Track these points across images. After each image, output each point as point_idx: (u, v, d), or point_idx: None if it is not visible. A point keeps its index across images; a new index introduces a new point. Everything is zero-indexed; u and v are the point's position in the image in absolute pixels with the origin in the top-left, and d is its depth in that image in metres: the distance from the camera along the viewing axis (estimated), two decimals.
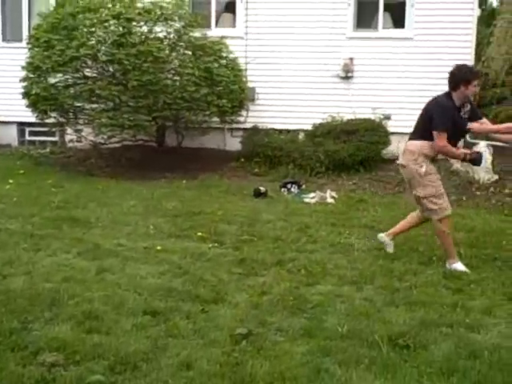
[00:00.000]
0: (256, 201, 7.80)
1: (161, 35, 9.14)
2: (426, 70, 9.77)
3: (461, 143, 5.63)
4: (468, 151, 5.26)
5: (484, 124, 5.22)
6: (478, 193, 8.30)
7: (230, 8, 10.71)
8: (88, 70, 9.17)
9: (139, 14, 8.88)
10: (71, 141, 10.06)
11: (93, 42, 8.76)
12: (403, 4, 10.14)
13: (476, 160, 5.22)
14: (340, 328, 3.67)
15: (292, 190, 8.43)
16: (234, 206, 7.30)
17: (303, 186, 8.63)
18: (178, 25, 9.22)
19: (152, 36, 9.03)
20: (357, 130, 9.49)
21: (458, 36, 9.80)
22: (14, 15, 11.20)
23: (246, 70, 10.12)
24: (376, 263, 5.07)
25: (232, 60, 9.63)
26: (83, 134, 9.74)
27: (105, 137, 9.26)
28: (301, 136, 10.09)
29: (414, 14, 9.99)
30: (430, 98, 5.19)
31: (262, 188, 8.13)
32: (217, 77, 9.12)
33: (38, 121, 9.78)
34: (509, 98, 13.10)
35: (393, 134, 9.60)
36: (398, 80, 10.01)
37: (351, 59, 10.18)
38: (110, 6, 9.00)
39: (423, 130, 5.08)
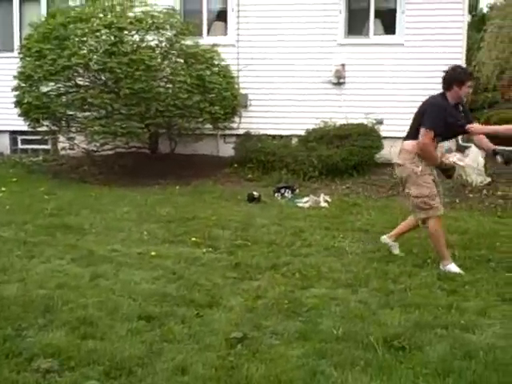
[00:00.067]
0: (250, 206, 7.81)
1: (152, 44, 9.19)
2: (417, 76, 9.84)
3: (453, 146, 5.62)
4: (446, 161, 5.26)
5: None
6: (471, 195, 8.35)
7: (222, 16, 10.79)
8: (80, 78, 9.20)
9: (131, 23, 8.90)
10: (64, 148, 10.08)
11: (84, 51, 8.80)
12: (394, 11, 10.23)
13: (450, 170, 5.19)
14: (335, 330, 3.67)
15: (286, 194, 8.45)
16: (228, 211, 7.30)
17: (297, 191, 8.65)
18: (169, 33, 9.27)
19: (144, 45, 9.08)
20: (349, 135, 9.53)
21: (449, 41, 9.89)
22: (6, 25, 11.25)
23: (238, 77, 10.16)
24: (370, 266, 5.07)
25: (224, 67, 9.67)
26: (76, 141, 9.75)
27: (97, 144, 9.27)
28: (294, 141, 10.13)
29: (405, 21, 10.07)
30: (426, 98, 5.21)
31: (255, 193, 8.14)
32: (209, 84, 9.15)
33: (30, 129, 9.78)
34: (500, 102, 13.22)
35: (385, 138, 9.65)
36: (390, 85, 10.07)
37: (343, 65, 10.25)
38: (101, 15, 9.04)
39: (418, 130, 5.10)
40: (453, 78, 5.03)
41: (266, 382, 3.04)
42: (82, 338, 3.47)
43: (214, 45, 9.74)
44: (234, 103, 9.71)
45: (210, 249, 5.54)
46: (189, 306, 4.04)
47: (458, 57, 9.74)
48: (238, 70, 10.23)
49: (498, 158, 5.05)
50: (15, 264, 4.87)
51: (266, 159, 9.61)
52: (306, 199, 8.12)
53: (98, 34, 8.82)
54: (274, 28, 10.32)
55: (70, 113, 9.22)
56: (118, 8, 9.14)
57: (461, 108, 5.16)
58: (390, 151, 9.23)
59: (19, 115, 9.40)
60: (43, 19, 9.62)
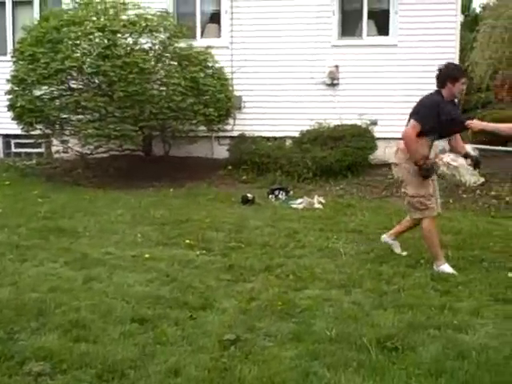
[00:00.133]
0: (244, 208, 7.80)
1: (146, 46, 9.18)
2: (410, 76, 9.85)
3: (447, 147, 5.59)
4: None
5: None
6: (465, 195, 8.36)
7: (215, 18, 10.79)
8: (73, 81, 9.18)
9: (124, 26, 8.90)
10: (57, 152, 10.05)
11: (78, 55, 8.78)
12: (387, 11, 10.25)
13: (428, 171, 5.06)
14: (328, 332, 3.67)
15: (280, 196, 8.44)
16: (222, 214, 7.29)
17: (291, 192, 8.65)
18: (163, 36, 9.26)
19: (137, 47, 9.07)
20: (343, 136, 9.53)
21: (442, 42, 9.90)
22: None
23: (232, 78, 10.16)
24: (364, 267, 5.07)
25: (218, 69, 9.67)
26: (69, 144, 9.72)
27: (91, 147, 9.27)
28: (288, 143, 10.13)
29: (398, 21, 10.09)
30: (420, 98, 5.21)
31: (249, 195, 8.13)
32: (203, 86, 9.15)
33: (23, 133, 9.75)
34: (493, 102, 13.25)
35: (379, 139, 9.68)
36: (384, 86, 10.07)
37: (337, 67, 10.26)
38: (94, 18, 9.02)
39: None
40: (446, 74, 5.04)
41: (258, 383, 3.04)
42: (75, 341, 3.47)
43: (208, 47, 9.73)
44: (228, 105, 9.71)
45: (204, 251, 5.53)
46: (182, 309, 4.03)
47: (451, 57, 9.72)
48: (231, 71, 10.22)
49: (468, 161, 5.12)
50: (8, 267, 4.86)
51: (260, 161, 9.62)
52: (300, 201, 8.12)
53: (91, 37, 8.82)
54: (268, 30, 10.32)
55: (64, 116, 9.19)
56: (111, 11, 9.13)
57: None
58: (384, 152, 9.26)
59: (12, 119, 9.38)
60: (36, 22, 9.61)
